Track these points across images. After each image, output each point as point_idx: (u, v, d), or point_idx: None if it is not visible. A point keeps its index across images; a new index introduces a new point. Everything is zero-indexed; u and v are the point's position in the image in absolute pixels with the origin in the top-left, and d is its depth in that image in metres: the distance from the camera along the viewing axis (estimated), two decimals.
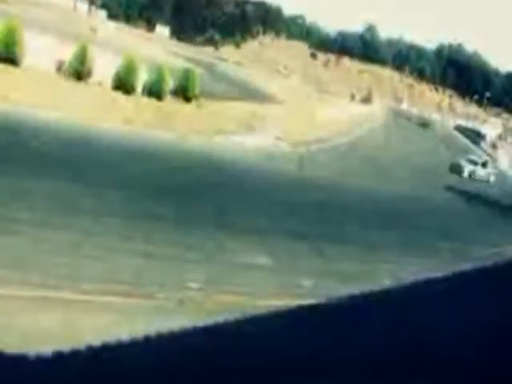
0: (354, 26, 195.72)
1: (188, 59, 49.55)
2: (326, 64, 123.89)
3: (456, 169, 33.42)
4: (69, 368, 4.23)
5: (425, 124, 59.07)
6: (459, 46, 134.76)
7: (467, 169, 33.64)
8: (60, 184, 9.59)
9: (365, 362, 5.42)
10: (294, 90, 59.74)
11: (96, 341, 4.51)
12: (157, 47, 50.12)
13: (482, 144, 52.67)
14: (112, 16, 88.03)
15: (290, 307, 6.56)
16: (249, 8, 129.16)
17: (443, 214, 20.24)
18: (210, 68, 50.27)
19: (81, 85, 20.52)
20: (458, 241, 15.23)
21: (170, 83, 24.01)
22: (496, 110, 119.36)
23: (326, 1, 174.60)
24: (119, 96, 21.05)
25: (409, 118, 63.31)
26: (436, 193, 22.48)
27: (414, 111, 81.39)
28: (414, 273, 9.59)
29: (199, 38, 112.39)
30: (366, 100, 75.75)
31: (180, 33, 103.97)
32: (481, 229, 18.83)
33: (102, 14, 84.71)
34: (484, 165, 35.58)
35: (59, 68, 21.09)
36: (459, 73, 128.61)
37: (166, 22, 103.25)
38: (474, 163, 35.03)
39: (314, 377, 5.04)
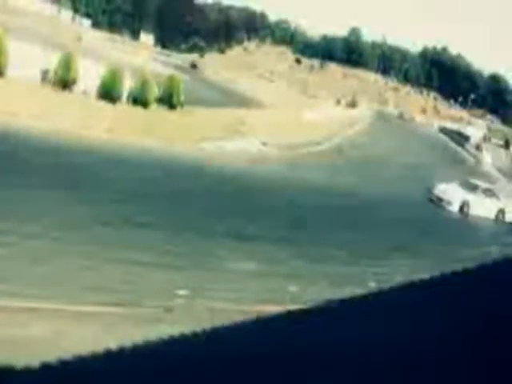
0: (339, 29, 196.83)
1: (173, 66, 49.59)
2: (310, 69, 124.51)
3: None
4: (57, 379, 4.22)
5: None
6: (443, 48, 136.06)
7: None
8: (44, 192, 9.57)
9: (356, 364, 5.45)
10: (280, 94, 59.95)
11: (84, 350, 4.51)
12: (141, 55, 50.08)
13: (467, 145, 53.09)
14: (96, 24, 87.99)
15: (279, 312, 6.58)
16: (233, 14, 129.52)
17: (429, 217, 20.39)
18: (194, 75, 50.34)
19: (66, 93, 20.46)
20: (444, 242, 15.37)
21: (154, 91, 24.02)
22: (480, 111, 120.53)
23: (310, 5, 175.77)
24: (104, 104, 21.00)
25: (393, 120, 63.76)
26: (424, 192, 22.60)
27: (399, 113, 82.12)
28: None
29: (184, 45, 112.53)
30: (352, 104, 76.16)
31: (164, 40, 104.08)
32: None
33: (87, 22, 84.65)
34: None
35: (44, 77, 21.02)
36: (443, 75, 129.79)
37: (151, 30, 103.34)
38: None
39: (304, 381, 5.06)
